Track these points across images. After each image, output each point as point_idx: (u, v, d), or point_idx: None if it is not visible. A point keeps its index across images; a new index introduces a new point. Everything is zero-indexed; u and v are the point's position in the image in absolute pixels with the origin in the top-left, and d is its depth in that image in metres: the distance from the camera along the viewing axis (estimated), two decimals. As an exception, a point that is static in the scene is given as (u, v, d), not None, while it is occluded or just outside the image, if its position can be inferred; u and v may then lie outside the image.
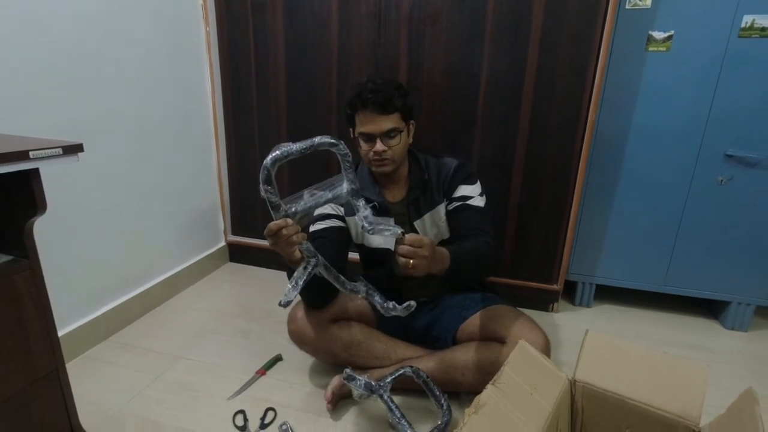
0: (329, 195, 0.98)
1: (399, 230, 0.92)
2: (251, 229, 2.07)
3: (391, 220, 0.94)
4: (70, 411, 0.96)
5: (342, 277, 1.02)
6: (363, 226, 0.95)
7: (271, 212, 0.93)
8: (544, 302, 1.79)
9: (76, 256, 1.40)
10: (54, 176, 1.29)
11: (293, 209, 0.94)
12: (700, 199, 1.59)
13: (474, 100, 1.62)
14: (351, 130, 1.26)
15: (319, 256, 0.98)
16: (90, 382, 1.31)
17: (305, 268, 0.95)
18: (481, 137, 1.65)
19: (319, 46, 1.73)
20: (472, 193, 1.27)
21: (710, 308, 1.81)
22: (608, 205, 1.69)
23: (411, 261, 0.91)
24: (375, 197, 1.25)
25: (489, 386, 0.84)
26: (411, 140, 1.29)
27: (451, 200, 1.27)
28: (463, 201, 1.26)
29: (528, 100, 1.57)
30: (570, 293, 1.86)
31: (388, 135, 1.18)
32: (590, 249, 1.75)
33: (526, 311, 1.36)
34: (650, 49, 1.50)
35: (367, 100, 1.16)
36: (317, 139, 0.93)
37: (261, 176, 0.92)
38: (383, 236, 0.98)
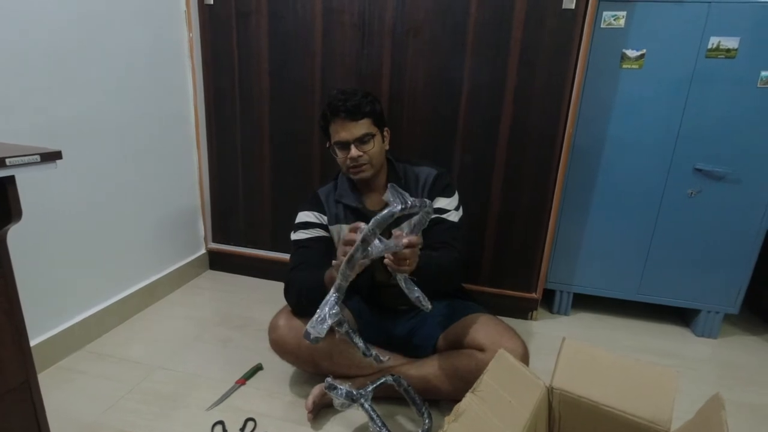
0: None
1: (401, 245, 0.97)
2: (232, 236, 2.06)
3: (392, 242, 0.98)
4: (41, 423, 0.93)
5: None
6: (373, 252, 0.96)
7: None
8: (523, 310, 1.82)
9: (49, 263, 1.36)
10: (28, 180, 1.26)
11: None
12: (671, 210, 1.65)
13: (455, 110, 1.65)
14: (327, 142, 1.29)
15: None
16: (62, 393, 1.28)
17: (336, 300, 0.95)
18: (461, 146, 1.69)
19: (303, 54, 1.74)
20: (449, 206, 1.29)
21: (682, 316, 1.87)
22: (585, 215, 1.73)
23: (408, 260, 0.98)
24: (354, 204, 1.28)
25: (468, 394, 0.85)
26: (387, 146, 1.32)
27: None
28: (439, 214, 1.27)
29: (508, 111, 1.61)
30: (548, 301, 1.90)
31: (361, 140, 1.22)
32: (568, 258, 1.79)
33: (506, 319, 1.38)
34: (624, 66, 1.56)
35: (338, 108, 1.20)
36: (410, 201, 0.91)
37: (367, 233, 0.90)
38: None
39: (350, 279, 0.94)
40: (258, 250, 2.02)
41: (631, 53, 1.55)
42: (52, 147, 0.77)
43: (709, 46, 1.49)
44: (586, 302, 1.90)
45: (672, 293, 1.74)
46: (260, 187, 1.95)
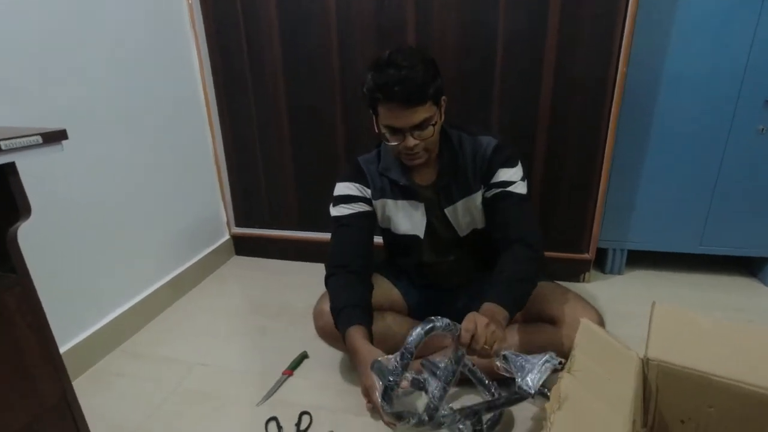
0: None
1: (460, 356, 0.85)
2: (256, 219, 1.94)
3: (442, 361, 0.88)
4: (83, 436, 0.85)
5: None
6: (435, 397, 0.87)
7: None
8: (575, 273, 1.69)
9: (69, 263, 1.26)
10: (35, 175, 1.15)
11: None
12: (738, 150, 1.49)
13: (491, 61, 1.48)
14: (374, 118, 1.05)
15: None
16: (102, 398, 1.20)
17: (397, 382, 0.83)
18: (499, 102, 1.52)
19: (315, 15, 1.57)
20: (513, 177, 1.09)
21: (749, 266, 1.73)
22: (640, 164, 1.58)
23: (485, 341, 0.84)
24: (402, 181, 1.11)
25: (565, 374, 0.74)
26: (444, 118, 1.07)
27: (489, 186, 1.11)
28: (503, 187, 1.09)
29: (550, 57, 1.44)
30: (599, 261, 1.77)
31: (419, 127, 0.98)
32: (621, 212, 1.65)
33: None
34: (683, -13, 1.37)
35: (393, 94, 0.93)
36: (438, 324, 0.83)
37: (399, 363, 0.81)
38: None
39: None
40: (285, 231, 1.91)
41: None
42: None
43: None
44: (640, 259, 1.76)
45: (739, 242, 1.60)
46: (281, 165, 1.81)
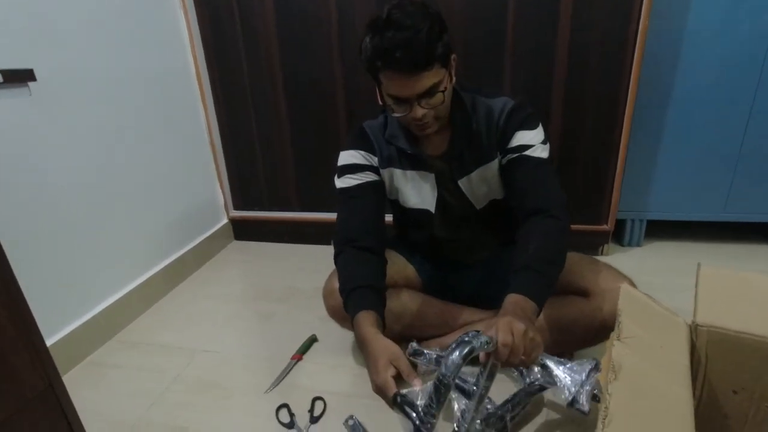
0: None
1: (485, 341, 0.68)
2: (255, 200, 1.84)
3: (471, 376, 0.76)
4: (75, 429, 0.76)
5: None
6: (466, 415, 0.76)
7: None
8: (593, 245, 1.62)
9: (58, 250, 1.17)
10: (16, 155, 1.04)
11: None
12: (766, 111, 1.40)
13: (501, 18, 1.38)
14: (376, 87, 0.93)
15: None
16: (98, 392, 1.11)
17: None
18: (512, 63, 1.43)
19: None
20: (533, 140, 0.96)
21: (772, 233, 1.66)
22: (660, 129, 1.49)
23: (524, 349, 0.71)
24: (411, 149, 1.00)
25: (616, 342, 0.66)
26: (455, 79, 0.95)
27: (506, 152, 0.98)
28: (521, 152, 0.97)
29: (566, 12, 1.34)
30: (617, 233, 1.69)
31: (427, 94, 0.87)
32: (640, 181, 1.57)
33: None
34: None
35: (393, 61, 0.82)
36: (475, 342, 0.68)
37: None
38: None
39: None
40: (286, 213, 1.82)
41: None
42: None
43: None
44: (659, 230, 1.69)
45: (766, 207, 1.52)
46: (279, 142, 1.71)
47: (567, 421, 0.94)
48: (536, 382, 0.90)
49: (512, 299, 0.81)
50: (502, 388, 0.97)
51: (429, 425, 0.65)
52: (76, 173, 1.21)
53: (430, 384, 0.66)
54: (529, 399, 0.91)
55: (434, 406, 0.65)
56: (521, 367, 0.76)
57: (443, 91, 0.88)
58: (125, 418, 1.02)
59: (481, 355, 0.71)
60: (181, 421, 1.00)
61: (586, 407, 0.77)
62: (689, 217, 1.59)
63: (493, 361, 0.71)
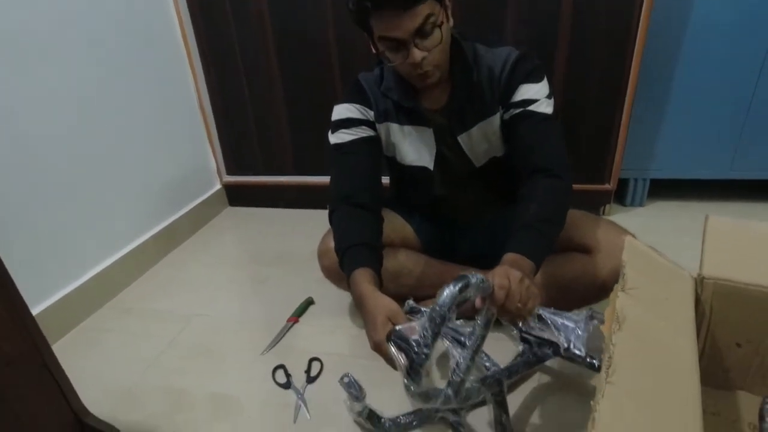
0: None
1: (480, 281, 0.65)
2: (248, 165, 1.80)
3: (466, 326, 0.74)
4: (67, 394, 0.75)
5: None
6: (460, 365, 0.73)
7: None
8: (594, 205, 1.58)
9: (43, 216, 1.13)
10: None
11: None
12: (779, 61, 1.34)
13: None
14: (369, 39, 0.87)
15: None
16: (92, 358, 1.10)
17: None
18: (514, 17, 1.35)
19: None
20: (538, 94, 0.91)
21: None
22: (668, 85, 1.43)
23: (520, 298, 0.69)
24: (408, 103, 0.95)
25: (620, 293, 0.64)
26: (451, 21, 0.88)
27: (508, 106, 0.93)
28: (525, 107, 0.91)
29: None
30: (619, 193, 1.65)
31: (422, 33, 0.80)
32: (645, 138, 1.51)
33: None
34: None
35: None
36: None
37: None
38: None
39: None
40: (280, 177, 1.77)
41: None
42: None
43: None
44: (663, 189, 1.65)
45: (774, 164, 1.48)
46: (272, 102, 1.65)
47: (563, 385, 0.93)
48: (533, 332, 0.88)
49: (510, 257, 0.78)
50: (502, 347, 0.96)
51: (423, 356, 0.63)
52: (57, 126, 1.16)
53: (425, 319, 0.63)
54: (527, 369, 0.90)
55: (429, 339, 0.63)
56: (518, 321, 0.73)
57: (440, 26, 0.82)
58: (121, 383, 1.01)
59: (477, 301, 0.68)
60: (178, 384, 0.99)
61: (583, 353, 0.76)
62: (695, 175, 1.55)
63: (489, 306, 0.69)
